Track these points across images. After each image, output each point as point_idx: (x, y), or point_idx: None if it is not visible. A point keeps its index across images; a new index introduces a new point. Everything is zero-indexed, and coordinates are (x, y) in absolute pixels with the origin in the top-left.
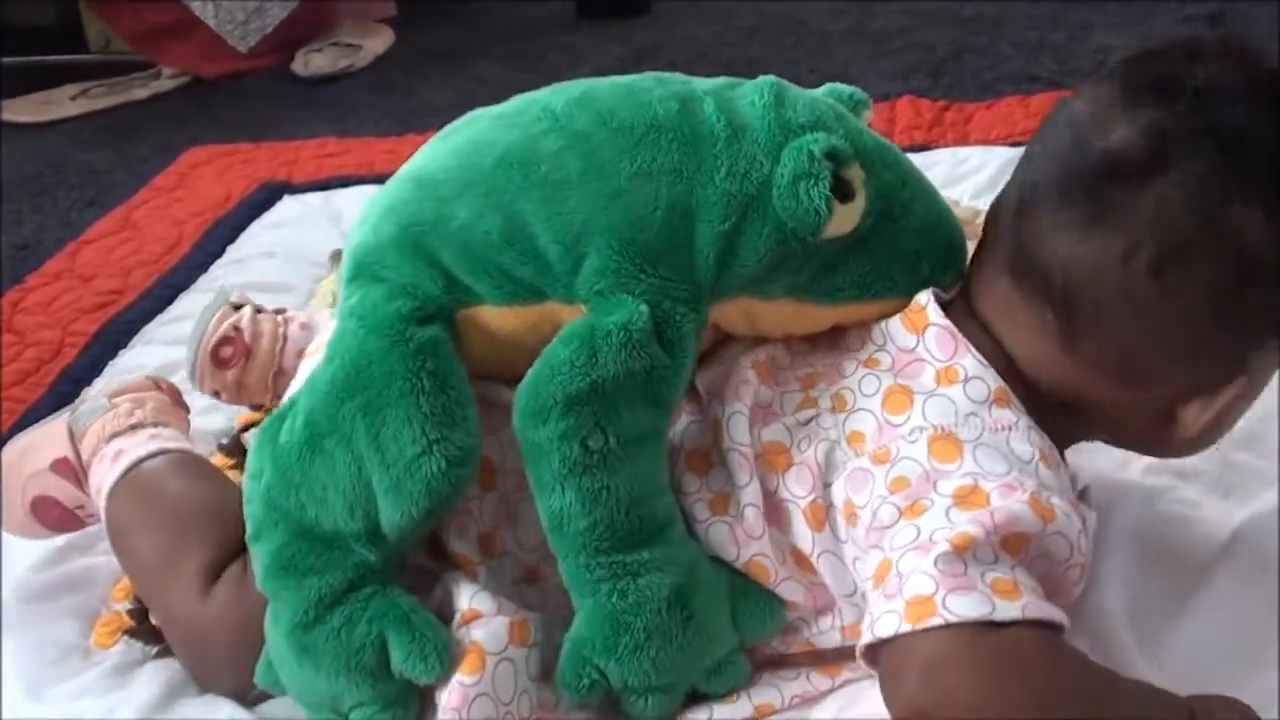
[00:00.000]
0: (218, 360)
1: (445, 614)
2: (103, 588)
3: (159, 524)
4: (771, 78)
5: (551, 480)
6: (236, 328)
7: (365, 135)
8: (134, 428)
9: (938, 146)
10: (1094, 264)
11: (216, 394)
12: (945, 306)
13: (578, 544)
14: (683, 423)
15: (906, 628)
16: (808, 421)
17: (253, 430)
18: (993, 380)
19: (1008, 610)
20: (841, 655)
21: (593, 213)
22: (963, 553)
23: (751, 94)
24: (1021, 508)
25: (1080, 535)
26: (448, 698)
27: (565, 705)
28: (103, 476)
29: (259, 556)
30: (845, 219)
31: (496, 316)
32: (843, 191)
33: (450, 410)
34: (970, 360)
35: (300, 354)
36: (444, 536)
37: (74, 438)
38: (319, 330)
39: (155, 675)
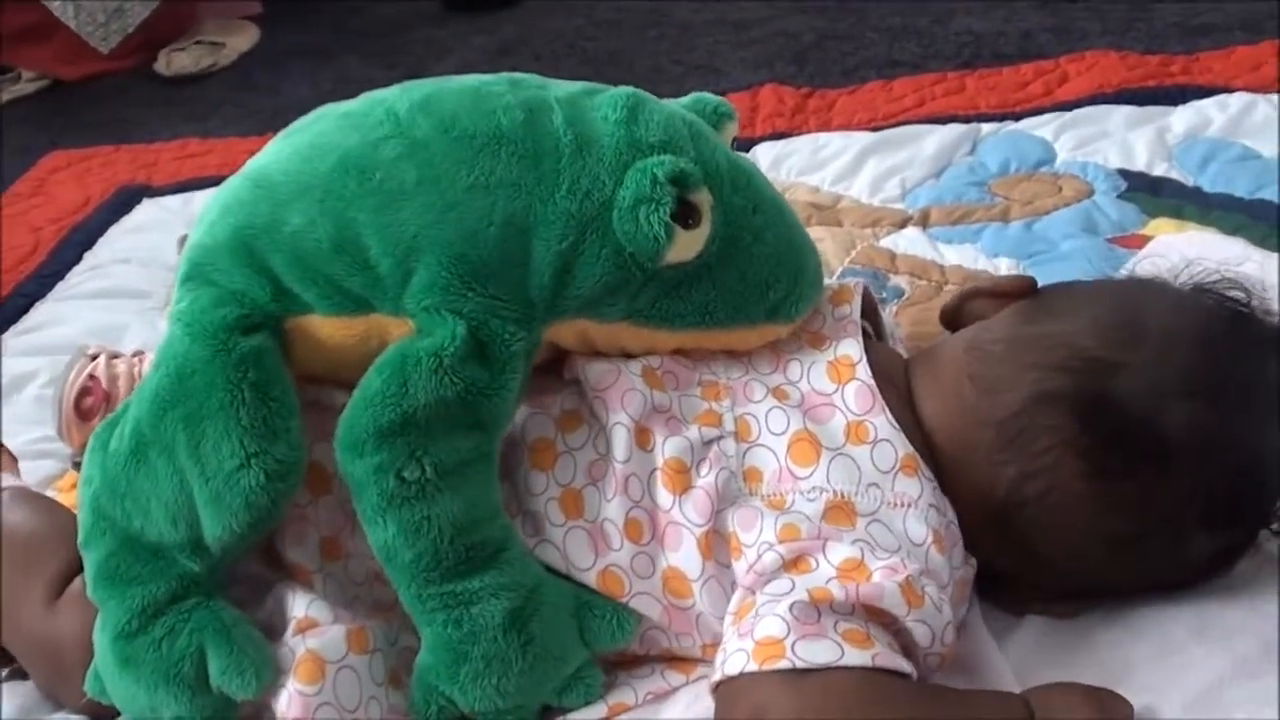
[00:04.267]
0: (81, 412)
1: (277, 625)
2: None
3: (6, 549)
4: (629, 89)
5: (373, 513)
6: (92, 376)
7: (228, 135)
8: None
9: (801, 133)
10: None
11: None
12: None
13: (407, 576)
14: (522, 415)
15: (753, 667)
16: (709, 442)
17: None
18: (902, 446)
19: (856, 657)
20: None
21: (425, 225)
22: (820, 603)
23: (605, 107)
24: (891, 586)
25: (947, 628)
26: (287, 708)
27: None
28: None
29: (88, 564)
30: (687, 246)
31: (324, 326)
32: (687, 217)
33: (271, 422)
34: (883, 420)
35: None
36: (279, 545)
37: None
38: None
39: (8, 697)
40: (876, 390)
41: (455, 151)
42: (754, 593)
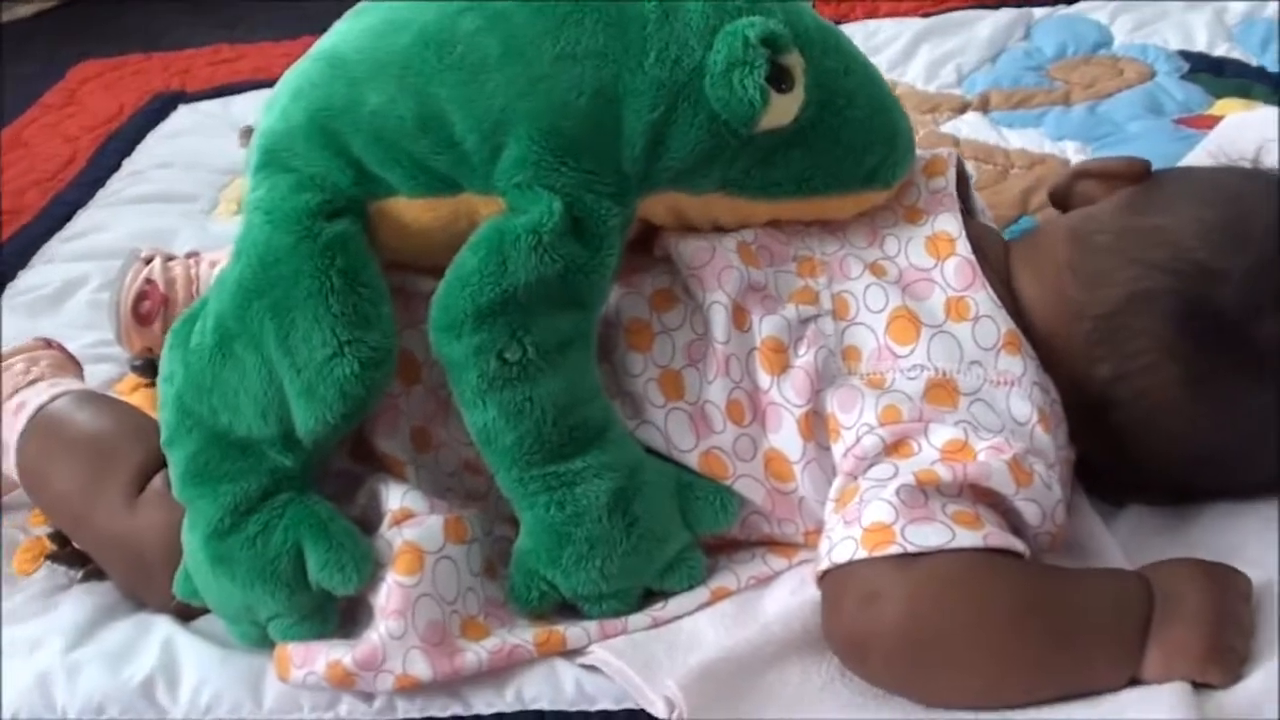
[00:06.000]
0: (139, 316)
1: (371, 519)
2: (20, 515)
3: (74, 452)
4: None
5: (472, 396)
6: (149, 280)
7: (258, 41)
8: (33, 382)
9: (849, 21)
10: None
11: (149, 351)
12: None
13: (508, 459)
14: (615, 294)
15: (863, 554)
16: (807, 320)
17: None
18: (1004, 323)
19: (968, 539)
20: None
21: (512, 99)
22: (926, 486)
23: None
24: (999, 465)
25: (1058, 506)
26: (387, 601)
27: (515, 611)
28: (7, 432)
29: (174, 463)
30: (782, 110)
31: (410, 208)
32: (780, 80)
33: (362, 309)
34: (984, 296)
35: None
36: (370, 437)
37: None
38: None
39: (82, 599)
40: (977, 265)
41: (538, 21)
42: (856, 478)
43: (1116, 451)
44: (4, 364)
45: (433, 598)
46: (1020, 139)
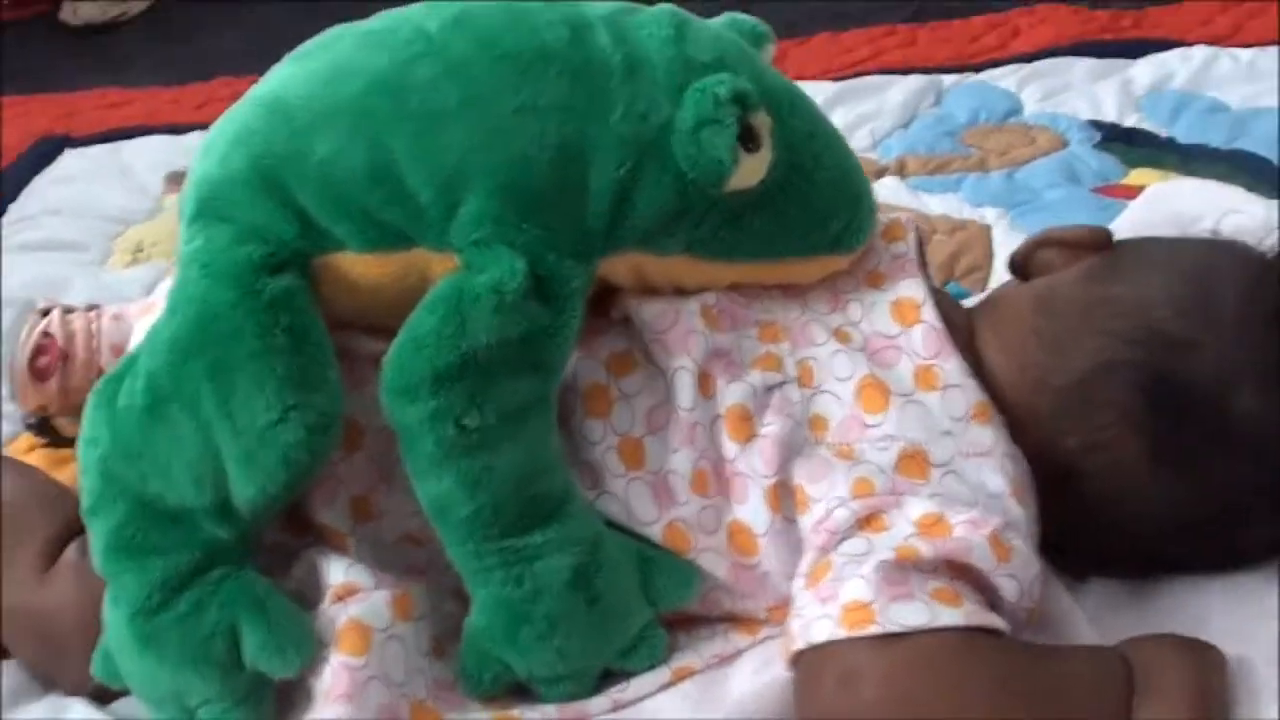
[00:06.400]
0: (35, 372)
1: (309, 594)
2: None
3: None
4: (670, 6)
5: (427, 465)
6: (46, 334)
7: (147, 86)
8: None
9: None
10: None
11: (43, 409)
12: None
13: (463, 532)
14: (570, 361)
15: (841, 633)
16: (772, 388)
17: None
18: (974, 392)
19: (949, 617)
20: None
21: (470, 151)
22: (905, 562)
23: (650, 25)
24: (979, 540)
25: (1035, 581)
26: (332, 684)
27: (466, 693)
28: None
29: (96, 534)
30: (751, 171)
31: (358, 264)
32: (749, 140)
33: (309, 371)
34: (954, 365)
35: (117, 349)
36: (308, 507)
37: None
38: (132, 319)
39: None
40: (945, 333)
41: (498, 71)
42: (827, 553)
43: (1082, 523)
44: None
45: (381, 680)
46: (940, 204)
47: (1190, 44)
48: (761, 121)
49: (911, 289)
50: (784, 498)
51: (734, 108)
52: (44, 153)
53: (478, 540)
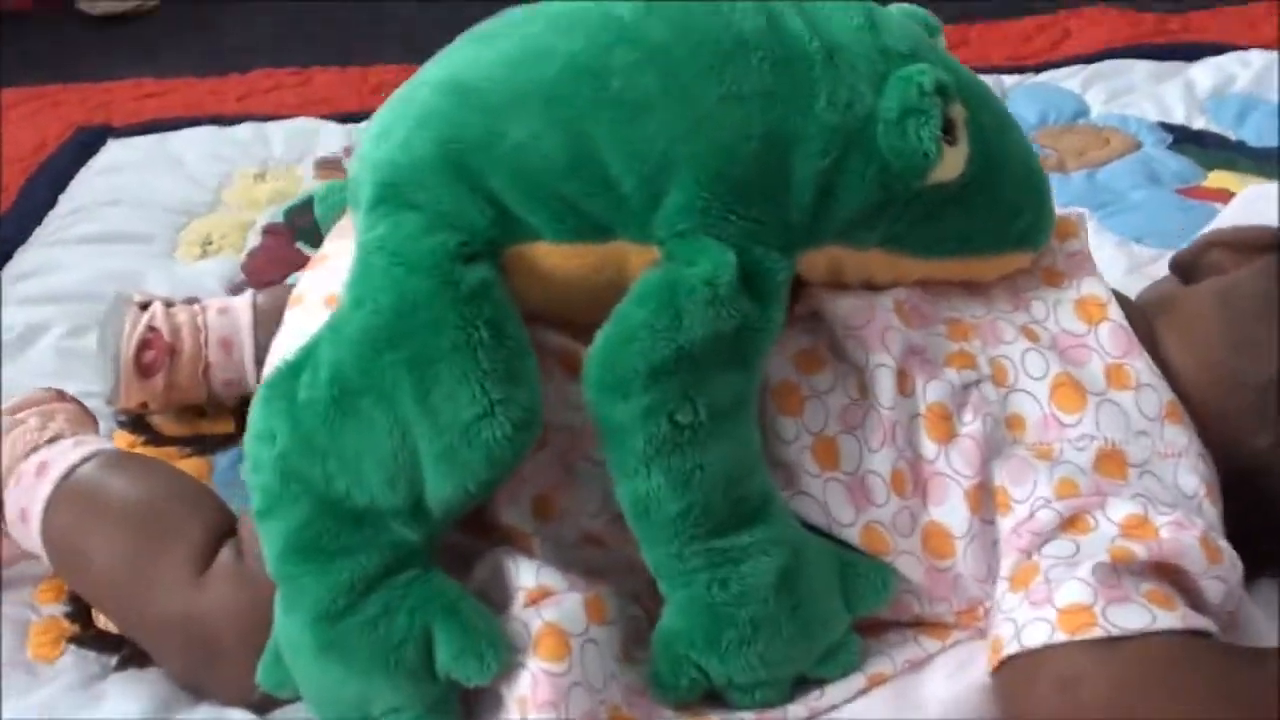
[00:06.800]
0: (141, 368)
1: (492, 597)
2: (24, 592)
3: (119, 524)
4: None
5: (635, 462)
6: (152, 328)
7: (177, 76)
8: (52, 440)
9: None
10: None
11: (144, 406)
12: None
13: (668, 532)
14: None
15: (1061, 637)
16: (968, 386)
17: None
18: (1165, 391)
19: (1168, 620)
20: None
21: (675, 140)
22: (1119, 564)
23: (839, 12)
24: (1190, 542)
25: (1239, 583)
26: (535, 692)
27: (658, 699)
28: (26, 496)
29: (272, 536)
30: (952, 164)
31: (553, 255)
32: (947, 132)
33: (512, 365)
34: (1143, 364)
35: (225, 343)
36: (491, 507)
37: None
38: (238, 313)
39: (129, 689)
40: (1132, 332)
41: (699, 58)
42: (1031, 555)
43: (1266, 522)
44: (13, 418)
45: (583, 686)
46: None
47: (1245, 48)
48: (958, 113)
49: (1095, 287)
50: (984, 499)
51: (937, 98)
52: (85, 143)
53: (683, 541)
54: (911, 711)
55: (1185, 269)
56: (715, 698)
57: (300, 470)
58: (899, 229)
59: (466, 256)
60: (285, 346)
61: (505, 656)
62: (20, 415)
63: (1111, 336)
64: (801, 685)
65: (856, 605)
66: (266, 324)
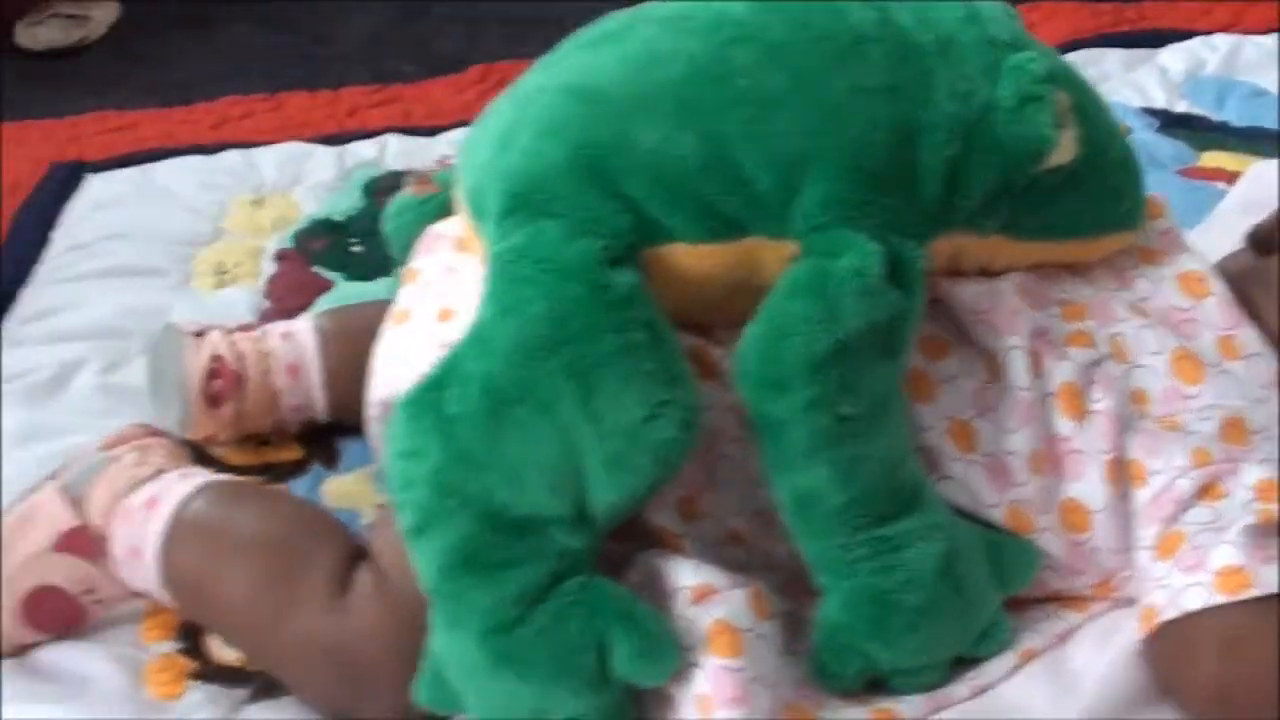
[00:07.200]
0: (210, 398)
1: (651, 599)
2: (128, 631)
3: (249, 555)
4: None
5: (797, 456)
6: (216, 357)
7: (138, 109)
8: (157, 474)
9: None
10: None
11: (211, 439)
12: None
13: (833, 524)
14: None
15: (1219, 599)
16: (1093, 364)
17: None
18: (1274, 360)
19: None
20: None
21: (809, 135)
22: (1266, 526)
23: (943, 7)
24: None
25: None
26: (714, 689)
27: (822, 689)
28: (138, 533)
29: (429, 553)
30: (1067, 148)
31: (690, 255)
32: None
33: (670, 366)
34: (1252, 335)
35: (293, 369)
36: (642, 510)
37: (75, 504)
38: (302, 338)
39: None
40: (1237, 304)
41: (820, 53)
42: (1172, 524)
43: None
44: (109, 454)
45: (761, 682)
46: None
47: (1208, 33)
48: (1064, 99)
49: (1193, 262)
50: (1120, 472)
51: (1050, 84)
52: (61, 179)
53: (849, 531)
54: (1068, 685)
55: (1263, 242)
56: (877, 684)
57: (458, 484)
58: (1018, 214)
59: (611, 261)
60: (395, 363)
61: (679, 656)
62: (115, 452)
63: (1219, 309)
64: (958, 665)
65: (1007, 584)
66: (331, 348)
